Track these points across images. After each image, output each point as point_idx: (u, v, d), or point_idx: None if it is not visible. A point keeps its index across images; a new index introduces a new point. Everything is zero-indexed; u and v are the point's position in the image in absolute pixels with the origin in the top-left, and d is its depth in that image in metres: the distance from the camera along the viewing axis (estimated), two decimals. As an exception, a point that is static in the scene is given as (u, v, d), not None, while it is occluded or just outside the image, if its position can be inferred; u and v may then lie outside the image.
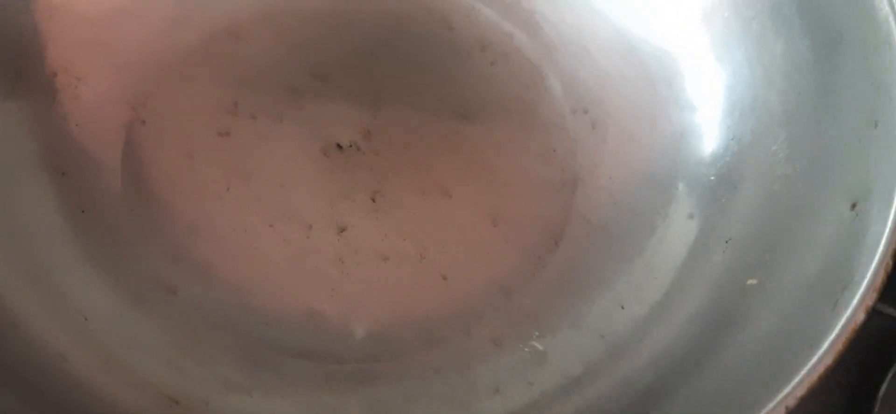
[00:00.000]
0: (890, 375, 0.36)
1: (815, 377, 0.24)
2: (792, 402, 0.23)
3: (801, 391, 0.23)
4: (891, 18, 0.31)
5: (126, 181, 0.35)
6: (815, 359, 0.24)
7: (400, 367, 0.33)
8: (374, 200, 0.36)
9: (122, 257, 0.33)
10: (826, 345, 0.24)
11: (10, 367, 0.28)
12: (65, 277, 0.32)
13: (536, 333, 0.34)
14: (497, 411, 0.31)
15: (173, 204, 0.35)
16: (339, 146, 0.37)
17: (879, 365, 0.36)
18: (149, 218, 0.34)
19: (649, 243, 0.35)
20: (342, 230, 0.35)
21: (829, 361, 0.24)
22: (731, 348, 0.29)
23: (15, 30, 0.34)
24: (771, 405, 0.23)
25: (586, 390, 0.31)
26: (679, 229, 0.35)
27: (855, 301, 0.25)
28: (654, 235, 0.35)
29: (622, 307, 0.34)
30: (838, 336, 0.24)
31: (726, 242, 0.34)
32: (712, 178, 0.35)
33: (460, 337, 0.34)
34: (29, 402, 0.27)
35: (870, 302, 0.25)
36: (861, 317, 0.25)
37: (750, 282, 0.31)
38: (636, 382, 0.31)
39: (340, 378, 0.33)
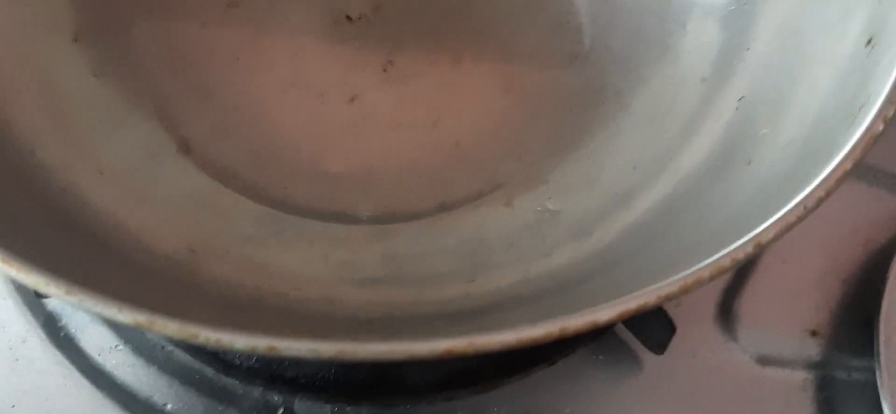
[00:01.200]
0: None
1: (833, 180, 0.24)
2: (811, 202, 0.23)
3: (820, 193, 0.23)
4: None
5: (136, 48, 0.35)
6: (834, 163, 0.24)
7: (414, 227, 0.33)
8: (385, 70, 0.36)
9: (139, 115, 0.33)
10: (845, 151, 0.24)
11: (37, 206, 0.28)
12: (85, 128, 0.32)
13: (549, 196, 0.34)
14: (510, 262, 0.31)
15: (186, 72, 0.35)
16: (349, 17, 0.37)
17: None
18: (162, 83, 0.34)
19: (661, 106, 0.35)
20: (354, 98, 0.35)
21: (848, 165, 0.24)
22: (742, 187, 0.29)
23: None
24: (791, 205, 0.23)
25: (596, 239, 0.31)
26: (690, 93, 0.35)
27: (873, 113, 0.25)
28: (665, 98, 0.35)
29: (634, 167, 0.34)
30: (857, 143, 0.24)
31: (739, 100, 0.34)
32: (725, 36, 0.35)
33: (473, 198, 0.34)
34: (56, 235, 0.27)
35: (888, 114, 0.25)
36: (879, 127, 0.25)
37: (763, 132, 0.31)
38: (647, 227, 0.31)
39: (356, 235, 0.33)
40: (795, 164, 0.28)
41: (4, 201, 0.28)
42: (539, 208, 0.34)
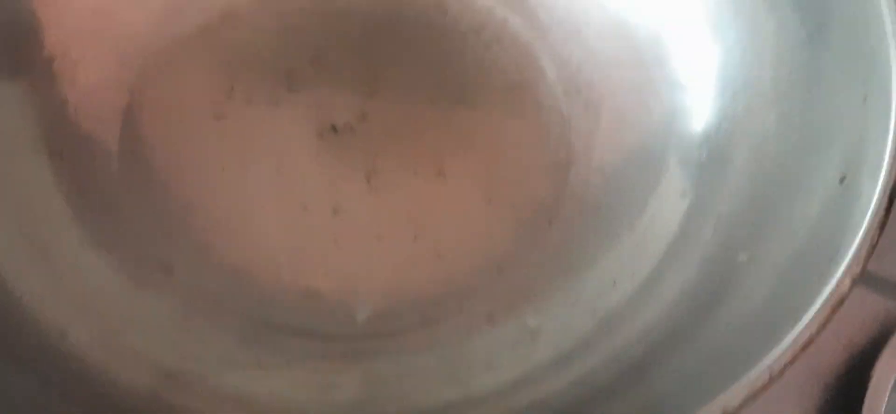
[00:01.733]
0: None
1: (799, 345, 0.24)
2: (777, 367, 0.24)
3: (786, 358, 0.24)
4: (880, -4, 0.31)
5: (123, 163, 0.35)
6: (800, 326, 0.24)
7: (396, 344, 0.34)
8: (368, 181, 0.37)
9: (119, 237, 0.34)
10: (811, 313, 0.24)
11: (11, 342, 0.28)
12: (64, 255, 0.32)
13: (530, 310, 0.34)
14: (491, 385, 0.32)
15: (170, 185, 0.35)
16: (334, 128, 0.37)
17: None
18: (146, 199, 0.35)
19: (641, 221, 0.35)
20: (337, 210, 0.36)
21: (813, 328, 0.24)
22: (721, 320, 0.29)
23: (14, 14, 0.34)
24: (755, 370, 0.24)
25: (578, 364, 0.32)
26: (671, 207, 0.35)
27: (840, 271, 0.25)
28: (646, 213, 0.36)
29: (614, 283, 0.34)
30: (824, 305, 0.25)
31: (717, 218, 0.34)
32: (704, 155, 0.36)
33: (455, 314, 0.34)
34: (29, 376, 0.28)
35: (855, 272, 0.25)
36: (846, 286, 0.25)
37: (741, 257, 0.32)
38: (627, 354, 0.31)
39: (337, 355, 0.33)
40: (770, 307, 0.28)
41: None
42: (520, 325, 0.34)
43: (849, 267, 0.25)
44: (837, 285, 0.25)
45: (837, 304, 0.25)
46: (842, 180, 0.29)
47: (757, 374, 0.24)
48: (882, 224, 0.27)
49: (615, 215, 0.36)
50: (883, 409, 0.35)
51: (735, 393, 0.23)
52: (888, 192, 0.27)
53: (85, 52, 0.36)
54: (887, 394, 0.35)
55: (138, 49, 0.37)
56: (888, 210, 0.27)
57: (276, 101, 0.38)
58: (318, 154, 0.37)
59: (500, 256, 0.35)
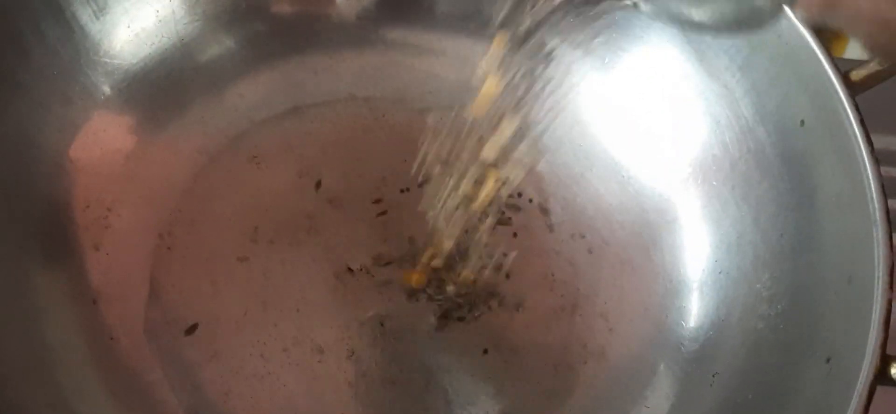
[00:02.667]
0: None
1: None
2: None
3: None
4: (869, 174, 0.33)
5: (152, 308, 0.37)
6: None
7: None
8: (382, 325, 0.38)
9: (141, 386, 0.36)
10: None
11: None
12: (84, 405, 0.34)
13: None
14: None
15: (197, 332, 0.37)
16: (350, 270, 0.39)
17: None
18: (172, 346, 0.37)
19: (643, 373, 0.37)
20: (352, 354, 0.38)
21: None
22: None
23: (55, 166, 0.37)
24: None
25: None
26: (671, 360, 0.37)
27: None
28: (648, 365, 0.37)
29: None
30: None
31: (714, 376, 0.36)
32: (701, 311, 0.37)
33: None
34: None
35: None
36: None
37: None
38: None
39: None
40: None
41: None
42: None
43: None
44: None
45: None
46: (828, 361, 0.31)
47: None
48: (866, 406, 0.29)
49: (618, 366, 0.38)
50: None
51: None
52: (870, 383, 0.28)
53: (117, 197, 0.39)
54: None
55: (168, 192, 0.40)
56: (870, 398, 0.29)
57: (297, 243, 0.40)
58: (334, 297, 0.39)
59: (508, 403, 0.37)
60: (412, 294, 0.39)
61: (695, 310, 0.38)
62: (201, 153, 0.41)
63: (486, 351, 0.38)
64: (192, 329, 0.37)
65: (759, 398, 0.33)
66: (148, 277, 0.38)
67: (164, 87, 0.40)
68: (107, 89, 0.39)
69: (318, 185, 0.41)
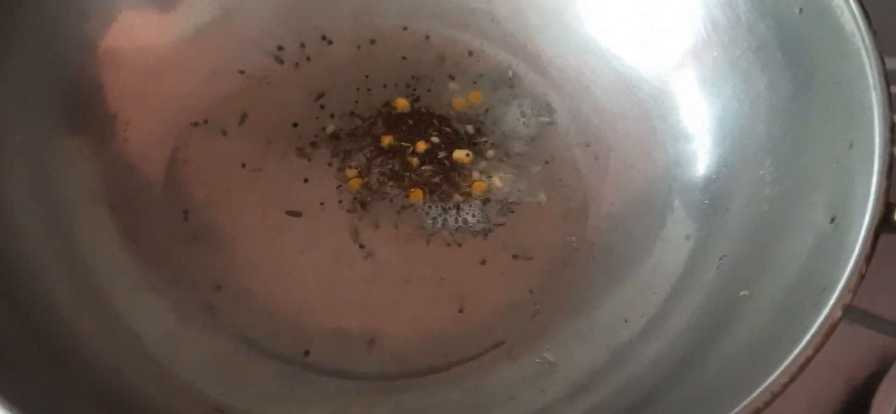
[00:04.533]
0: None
1: (796, 367, 0.26)
2: (777, 387, 0.26)
3: (784, 379, 0.26)
4: (862, 50, 0.34)
5: (170, 214, 0.38)
6: (796, 352, 0.27)
7: (421, 382, 0.36)
8: (396, 228, 0.39)
9: (167, 282, 0.37)
10: (806, 338, 0.27)
11: (76, 378, 0.31)
12: (119, 299, 0.35)
13: (547, 346, 0.37)
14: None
15: (214, 235, 0.38)
16: (362, 178, 0.40)
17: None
18: (191, 247, 0.38)
19: (649, 263, 0.38)
20: (368, 255, 0.39)
21: (809, 352, 0.27)
22: (723, 350, 0.32)
23: (76, 77, 0.38)
24: (756, 392, 0.26)
25: (592, 395, 0.34)
26: (676, 249, 0.38)
27: (832, 300, 0.28)
28: (653, 255, 0.38)
29: (626, 321, 0.37)
30: (818, 330, 0.27)
31: (720, 258, 0.36)
32: (706, 201, 0.38)
33: (477, 355, 0.37)
34: (92, 411, 0.30)
35: (846, 301, 0.28)
36: (838, 314, 0.27)
37: (742, 294, 0.34)
38: (637, 385, 0.33)
39: (368, 392, 0.36)
40: (770, 335, 0.30)
41: (45, 380, 0.31)
42: (538, 360, 0.36)
43: (840, 296, 0.28)
44: (830, 312, 0.27)
45: (830, 329, 0.27)
46: (832, 220, 0.32)
47: (758, 394, 0.26)
48: (869, 257, 0.30)
49: (624, 258, 0.39)
50: (882, 438, 0.37)
51: None
52: (874, 228, 0.29)
53: (135, 111, 0.40)
54: (886, 423, 0.37)
55: (182, 109, 0.41)
56: (874, 245, 0.29)
57: (309, 154, 0.41)
58: (348, 201, 0.40)
59: (519, 297, 0.38)
60: (426, 199, 0.40)
61: (698, 204, 0.39)
62: (212, 73, 0.42)
63: (489, 250, 0.39)
64: (209, 234, 0.38)
65: (764, 270, 0.34)
66: (162, 188, 0.39)
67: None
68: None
69: (325, 102, 0.42)
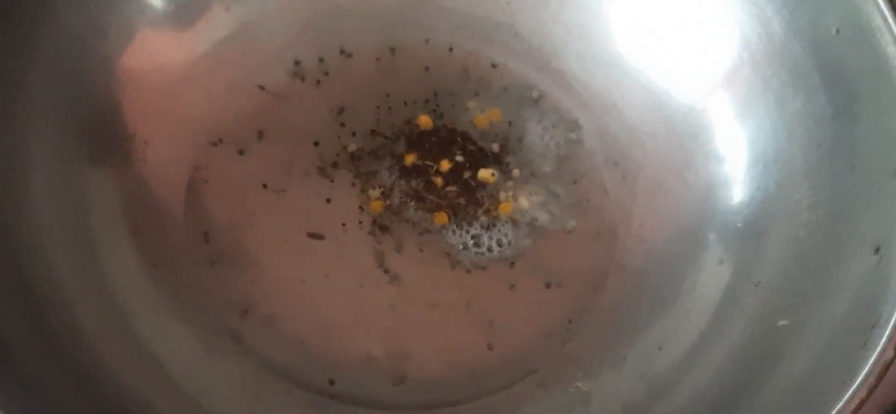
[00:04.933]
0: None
1: (850, 410, 0.26)
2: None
3: (839, 423, 0.25)
4: (904, 75, 0.33)
5: (191, 237, 0.37)
6: (848, 394, 0.26)
7: (452, 412, 0.35)
8: (421, 251, 0.38)
9: (191, 308, 0.36)
10: (859, 380, 0.26)
11: (103, 408, 0.30)
12: (143, 326, 0.34)
13: (580, 375, 0.36)
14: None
15: (236, 258, 0.37)
16: (385, 199, 0.39)
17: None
18: (213, 272, 0.37)
19: (683, 288, 0.37)
20: (393, 279, 0.38)
21: (863, 394, 0.26)
22: (766, 387, 0.31)
23: (95, 100, 0.37)
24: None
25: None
26: (710, 274, 0.37)
27: (884, 339, 0.27)
28: (687, 280, 0.37)
29: (660, 349, 0.36)
30: (870, 372, 0.26)
31: (756, 285, 0.36)
32: (740, 225, 0.38)
33: (507, 382, 0.36)
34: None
35: (898, 339, 0.27)
36: (891, 354, 0.27)
37: (781, 323, 0.33)
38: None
39: (397, 422, 0.35)
40: (816, 372, 0.30)
41: (71, 408, 0.30)
42: (571, 389, 0.36)
43: (891, 336, 0.27)
44: (882, 352, 0.27)
45: (883, 370, 0.26)
46: (877, 251, 0.31)
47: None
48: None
49: (656, 283, 0.38)
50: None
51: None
52: (923, 263, 0.29)
53: (154, 131, 0.39)
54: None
55: (201, 128, 0.40)
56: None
57: (332, 175, 0.40)
58: (373, 224, 0.39)
59: (549, 323, 0.37)
60: (451, 222, 0.39)
61: (732, 228, 0.38)
62: (232, 90, 0.41)
63: (517, 273, 0.38)
64: (233, 257, 0.37)
65: (803, 299, 0.33)
66: (183, 209, 0.38)
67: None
68: (157, 3, 0.39)
69: (346, 118, 0.41)
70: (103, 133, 0.37)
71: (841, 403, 0.26)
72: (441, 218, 0.39)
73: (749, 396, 0.31)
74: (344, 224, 0.39)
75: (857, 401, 0.26)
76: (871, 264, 0.31)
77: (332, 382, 0.35)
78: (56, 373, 0.30)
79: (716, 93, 0.40)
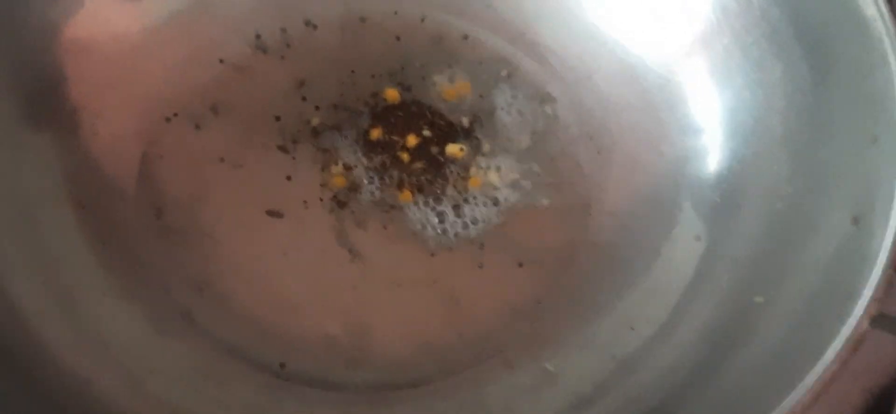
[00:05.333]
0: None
1: (820, 384, 0.24)
2: (799, 408, 0.24)
3: (807, 397, 0.24)
4: (885, 38, 0.32)
5: (143, 213, 0.36)
6: (821, 366, 0.24)
7: (414, 394, 0.34)
8: (386, 228, 0.37)
9: (140, 286, 0.34)
10: (831, 352, 0.25)
11: (40, 391, 0.29)
12: (88, 303, 0.33)
13: (547, 354, 0.34)
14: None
15: (190, 235, 0.36)
16: (347, 174, 0.38)
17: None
18: (166, 249, 0.35)
19: (656, 265, 0.36)
20: (355, 257, 0.36)
21: (834, 367, 0.24)
22: (739, 361, 0.30)
23: (40, 66, 0.35)
24: (778, 410, 0.24)
25: (596, 408, 0.32)
26: (685, 250, 0.36)
27: (858, 310, 0.26)
28: (661, 257, 0.36)
29: (632, 328, 0.34)
30: (843, 344, 0.25)
31: (733, 261, 0.34)
32: (717, 199, 0.36)
33: (473, 361, 0.34)
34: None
35: (873, 311, 0.25)
36: (864, 325, 0.25)
37: (757, 299, 0.32)
38: (645, 398, 0.31)
39: (357, 404, 0.33)
40: (789, 347, 0.28)
41: (6, 392, 0.28)
42: (538, 370, 0.34)
43: (866, 306, 0.25)
44: (856, 325, 0.25)
45: (857, 342, 0.25)
46: (855, 221, 0.30)
47: (778, 412, 0.24)
48: (896, 264, 0.27)
49: (630, 259, 0.36)
50: (903, 449, 0.35)
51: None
52: (902, 231, 0.27)
53: (105, 104, 0.37)
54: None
55: (155, 101, 0.38)
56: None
57: (291, 150, 0.38)
58: (333, 199, 0.37)
59: (517, 300, 0.36)
60: (416, 198, 0.38)
61: (709, 202, 0.36)
62: (190, 62, 0.39)
63: (486, 251, 0.37)
64: (186, 234, 0.36)
65: (781, 275, 0.32)
66: (135, 184, 0.36)
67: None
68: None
69: (308, 92, 0.40)
70: (50, 104, 0.35)
71: (811, 376, 0.24)
72: (406, 196, 0.38)
73: (719, 371, 0.29)
74: (305, 201, 0.37)
75: (828, 374, 0.24)
76: (849, 234, 0.30)
77: (282, 366, 0.33)
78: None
79: (693, 61, 0.39)
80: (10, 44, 0.34)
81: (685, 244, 0.36)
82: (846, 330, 0.25)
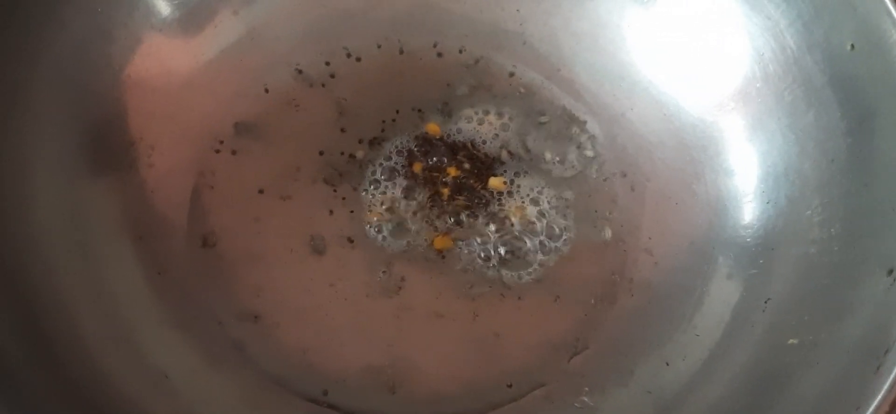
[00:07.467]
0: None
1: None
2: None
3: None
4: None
5: (195, 244, 0.37)
6: (863, 417, 0.26)
7: (456, 424, 0.35)
8: (428, 261, 0.38)
9: (193, 317, 0.35)
10: (872, 407, 0.26)
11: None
12: (145, 336, 0.34)
13: (586, 389, 0.35)
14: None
15: (240, 266, 0.37)
16: (392, 210, 0.39)
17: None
18: (218, 280, 0.36)
19: (691, 302, 0.37)
20: (399, 288, 0.37)
21: (878, 419, 0.25)
22: (776, 408, 0.31)
23: (100, 103, 0.36)
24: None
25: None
26: (719, 289, 0.37)
27: (897, 364, 0.27)
28: (696, 295, 0.37)
29: (668, 364, 0.35)
30: (884, 399, 0.26)
31: (766, 302, 0.35)
32: (749, 240, 0.37)
33: (514, 399, 0.35)
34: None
35: (912, 365, 0.27)
36: (904, 380, 0.26)
37: (791, 341, 0.33)
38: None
39: (400, 436, 0.34)
40: (828, 395, 0.29)
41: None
42: (577, 404, 0.35)
43: (905, 361, 0.26)
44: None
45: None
46: (890, 272, 0.31)
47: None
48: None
49: (666, 296, 0.37)
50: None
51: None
52: (939, 287, 0.28)
53: (159, 136, 0.38)
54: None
55: (207, 133, 0.39)
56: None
57: (338, 183, 0.39)
58: (379, 233, 0.38)
59: (556, 336, 0.37)
60: (456, 234, 0.39)
61: (742, 243, 0.38)
62: (240, 95, 0.40)
63: (524, 285, 0.38)
64: (237, 265, 0.37)
65: (814, 319, 0.33)
66: (187, 216, 0.38)
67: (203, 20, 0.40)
68: (164, 9, 0.39)
69: (350, 124, 0.41)
70: (109, 139, 0.36)
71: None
72: (447, 231, 0.39)
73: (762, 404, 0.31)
74: (350, 237, 0.38)
75: (871, 427, 0.25)
76: (885, 286, 0.31)
77: (325, 393, 0.34)
78: (52, 381, 0.30)
79: (727, 105, 0.40)
80: (73, 83, 0.35)
81: (718, 282, 0.37)
82: (887, 384, 0.26)
